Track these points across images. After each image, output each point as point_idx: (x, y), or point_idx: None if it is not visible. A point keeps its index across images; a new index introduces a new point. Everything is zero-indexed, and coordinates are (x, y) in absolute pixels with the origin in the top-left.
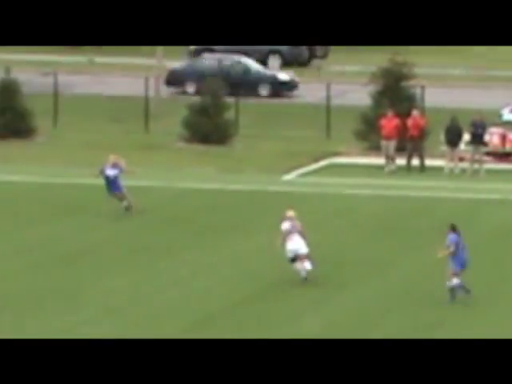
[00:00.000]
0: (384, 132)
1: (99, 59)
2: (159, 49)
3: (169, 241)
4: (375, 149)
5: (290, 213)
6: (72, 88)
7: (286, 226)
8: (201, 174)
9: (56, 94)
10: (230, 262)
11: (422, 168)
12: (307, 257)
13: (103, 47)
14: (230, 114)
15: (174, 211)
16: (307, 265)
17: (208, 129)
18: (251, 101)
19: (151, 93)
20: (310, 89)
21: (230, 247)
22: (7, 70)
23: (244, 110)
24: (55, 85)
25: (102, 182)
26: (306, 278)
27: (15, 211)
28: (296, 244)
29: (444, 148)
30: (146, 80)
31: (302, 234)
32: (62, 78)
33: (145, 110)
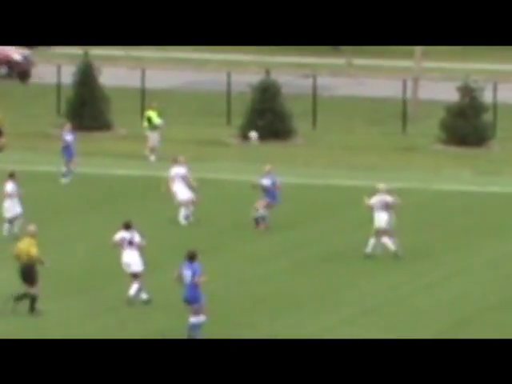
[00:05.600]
0: None
1: (358, 61)
2: (417, 50)
3: (425, 243)
4: None
5: None
6: (331, 90)
7: None
8: (458, 176)
9: (315, 96)
10: (488, 265)
11: None
12: None
13: (362, 49)
14: (488, 116)
15: (431, 213)
16: None
17: (466, 131)
18: None
19: (409, 94)
20: None
21: (487, 250)
22: (267, 72)
23: (502, 112)
24: (314, 87)
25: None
26: None
27: (276, 212)
28: None
29: None
30: (404, 82)
31: None
32: (321, 80)
33: (403, 111)
